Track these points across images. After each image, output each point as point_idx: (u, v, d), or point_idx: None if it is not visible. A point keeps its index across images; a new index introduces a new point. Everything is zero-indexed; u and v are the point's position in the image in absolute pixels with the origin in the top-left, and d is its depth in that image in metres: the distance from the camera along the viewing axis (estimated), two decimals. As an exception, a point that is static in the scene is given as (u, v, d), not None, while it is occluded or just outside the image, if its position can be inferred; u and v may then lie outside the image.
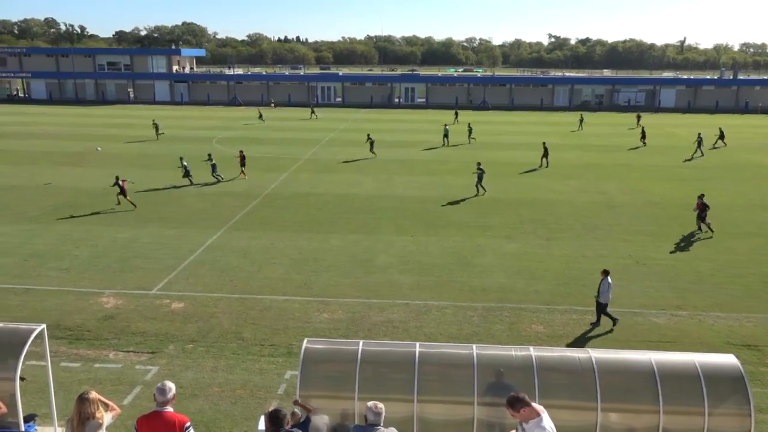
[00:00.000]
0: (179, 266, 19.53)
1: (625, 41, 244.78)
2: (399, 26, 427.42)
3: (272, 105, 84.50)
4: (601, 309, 15.51)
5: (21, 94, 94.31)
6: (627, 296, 17.38)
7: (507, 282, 18.45)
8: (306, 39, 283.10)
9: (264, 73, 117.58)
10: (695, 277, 19.03)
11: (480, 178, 29.95)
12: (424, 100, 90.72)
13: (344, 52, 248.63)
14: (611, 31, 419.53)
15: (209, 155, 34.63)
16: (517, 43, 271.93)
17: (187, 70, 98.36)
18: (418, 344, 9.33)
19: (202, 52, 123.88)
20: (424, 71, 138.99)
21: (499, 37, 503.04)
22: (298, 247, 21.56)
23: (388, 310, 16.40)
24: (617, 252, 21.38)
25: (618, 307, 16.40)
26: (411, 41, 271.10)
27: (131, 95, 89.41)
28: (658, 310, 16.55)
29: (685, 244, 22.46)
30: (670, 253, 21.40)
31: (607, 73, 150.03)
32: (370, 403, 6.96)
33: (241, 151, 34.35)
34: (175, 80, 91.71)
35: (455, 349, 9.51)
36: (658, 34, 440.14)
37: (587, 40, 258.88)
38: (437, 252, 21.29)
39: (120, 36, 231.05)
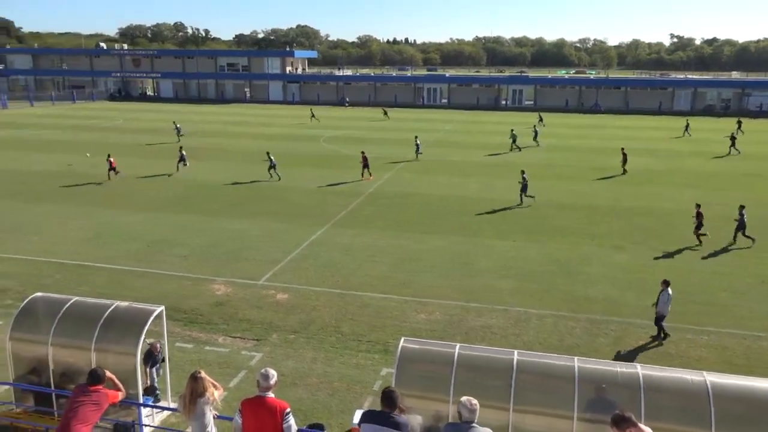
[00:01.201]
0: (285, 259, 20.35)
1: (758, 41, 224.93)
2: (509, 27, 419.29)
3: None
4: (658, 320, 14.82)
5: (150, 93, 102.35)
6: (749, 318, 16.00)
7: (614, 294, 17.59)
8: (414, 40, 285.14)
9: (372, 74, 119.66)
10: (832, 302, 17.17)
11: (524, 188, 28.16)
12: (532, 102, 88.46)
13: (452, 54, 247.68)
14: (742, 31, 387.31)
15: (267, 153, 34.72)
16: (635, 44, 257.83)
17: (299, 71, 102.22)
18: (516, 352, 9.13)
19: (314, 54, 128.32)
20: (533, 73, 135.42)
21: (616, 37, 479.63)
22: (398, 246, 21.77)
23: (486, 315, 16.17)
24: (740, 270, 19.73)
25: (740, 329, 15.15)
26: (521, 42, 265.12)
27: (247, 94, 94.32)
28: (786, 336, 15.10)
29: (821, 264, 20.32)
30: (803, 273, 19.45)
31: (735, 75, 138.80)
32: (464, 399, 6.69)
33: (363, 152, 33.76)
34: (288, 81, 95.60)
35: (555, 360, 9.21)
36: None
37: (714, 40, 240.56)
38: (539, 258, 20.70)
39: (239, 39, 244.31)
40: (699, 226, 22.28)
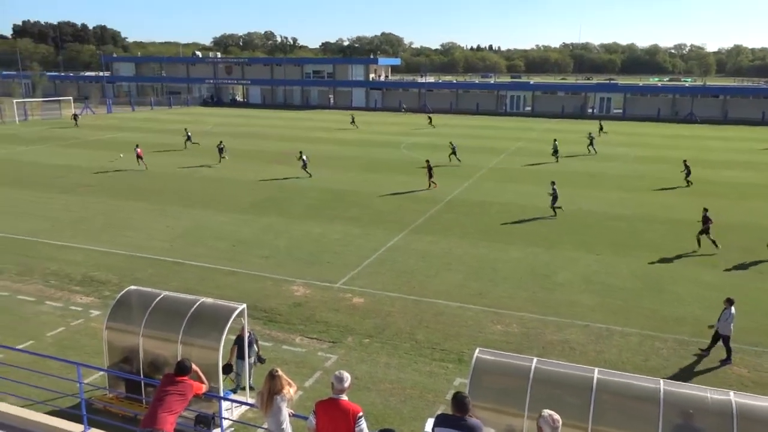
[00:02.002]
0: (362, 263, 20.59)
1: None
2: (598, 33, 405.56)
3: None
4: (719, 340, 14.11)
5: (239, 99, 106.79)
6: None
7: (704, 314, 16.56)
8: (498, 47, 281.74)
9: (454, 81, 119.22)
10: None
11: (554, 199, 27.04)
12: (621, 110, 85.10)
13: (537, 61, 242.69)
14: None
15: (300, 152, 36.95)
16: (737, 50, 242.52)
17: (382, 78, 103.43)
18: (596, 370, 8.78)
19: (397, 61, 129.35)
20: (623, 80, 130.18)
21: (715, 43, 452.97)
22: (476, 255, 21.52)
23: (565, 330, 15.66)
24: None
25: None
26: (610, 48, 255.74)
27: (331, 101, 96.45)
28: None
29: None
30: None
31: None
32: (546, 413, 6.45)
33: (428, 161, 33.85)
34: (371, 87, 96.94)
35: (639, 381, 8.77)
36: None
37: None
38: (625, 273, 19.83)
39: (326, 46, 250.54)
40: (705, 231, 22.27)
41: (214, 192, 31.55)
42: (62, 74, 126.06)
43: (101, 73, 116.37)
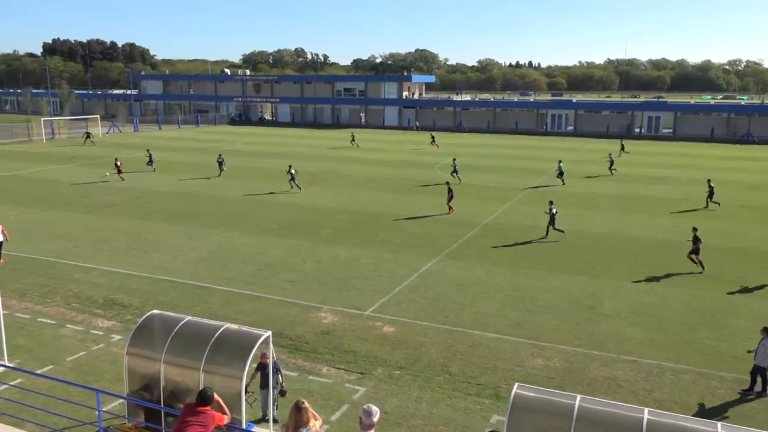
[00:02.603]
0: (393, 290, 20.50)
1: None
2: (645, 48, 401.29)
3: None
4: (758, 372, 13.70)
5: (267, 117, 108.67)
6: None
7: (767, 352, 15.93)
8: (538, 64, 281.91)
9: (492, 99, 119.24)
10: None
11: (551, 220, 27.13)
12: (670, 130, 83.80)
13: (580, 78, 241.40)
14: None
15: (290, 166, 39.89)
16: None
17: (416, 96, 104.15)
18: (646, 410, 8.49)
19: (431, 79, 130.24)
20: (673, 98, 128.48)
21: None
22: (514, 283, 21.23)
23: (611, 366, 15.25)
24: None
25: None
26: (659, 65, 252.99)
27: (363, 119, 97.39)
28: None
29: None
30: None
31: None
32: None
33: (448, 183, 33.45)
34: (404, 106, 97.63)
35: (693, 423, 8.44)
36: None
37: None
38: (678, 306, 19.29)
39: (357, 63, 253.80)
40: (695, 251, 22.91)
41: (238, 213, 31.96)
42: (90, 92, 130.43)
43: (129, 91, 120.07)
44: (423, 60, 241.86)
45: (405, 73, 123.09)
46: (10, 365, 13.97)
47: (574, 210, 33.23)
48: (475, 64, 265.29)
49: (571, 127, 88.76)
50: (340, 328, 17.45)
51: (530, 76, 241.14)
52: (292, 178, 38.24)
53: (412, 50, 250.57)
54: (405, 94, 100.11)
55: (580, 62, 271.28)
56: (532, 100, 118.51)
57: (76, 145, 64.80)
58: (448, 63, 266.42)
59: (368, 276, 21.97)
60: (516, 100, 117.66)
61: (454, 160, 43.00)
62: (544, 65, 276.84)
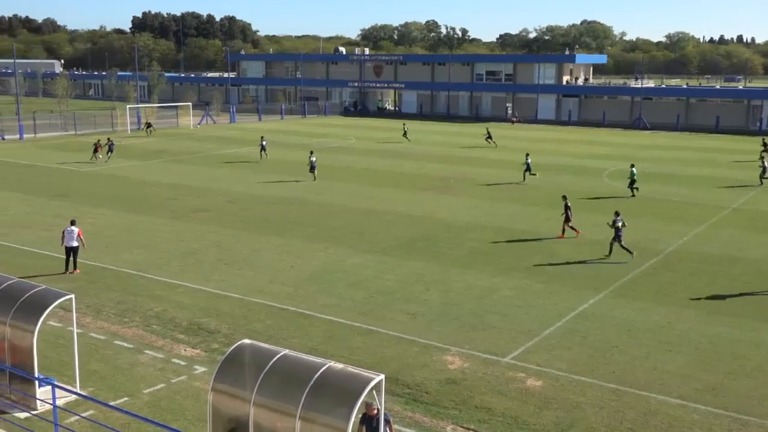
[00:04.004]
0: (542, 333, 20.13)
1: None
2: None
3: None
4: None
5: (389, 107, 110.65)
6: None
7: None
8: (751, 39, 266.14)
9: (684, 86, 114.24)
10: None
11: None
12: None
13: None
14: None
15: (311, 152, 46.19)
16: None
17: (580, 81, 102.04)
18: None
19: (602, 59, 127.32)
20: None
21: None
22: (708, 333, 20.18)
23: None
24: None
25: None
26: None
27: (508, 111, 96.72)
28: None
29: None
30: None
31: None
32: None
33: (565, 197, 31.93)
34: (564, 94, 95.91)
35: None
36: None
37: None
38: None
39: (504, 40, 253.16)
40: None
41: (349, 225, 32.83)
42: (182, 75, 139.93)
43: (226, 74, 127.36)
44: (591, 35, 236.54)
45: (567, 52, 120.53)
46: (83, 393, 15.21)
47: (798, 238, 31.01)
48: (662, 40, 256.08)
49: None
50: (471, 376, 17.37)
51: (739, 56, 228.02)
52: (312, 168, 44.50)
53: (578, 22, 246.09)
54: (566, 78, 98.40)
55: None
56: (740, 87, 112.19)
57: (163, 136, 69.62)
58: (625, 38, 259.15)
59: (510, 312, 21.75)
60: (718, 87, 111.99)
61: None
62: (759, 41, 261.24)
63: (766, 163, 45.17)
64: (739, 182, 45.60)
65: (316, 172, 44.44)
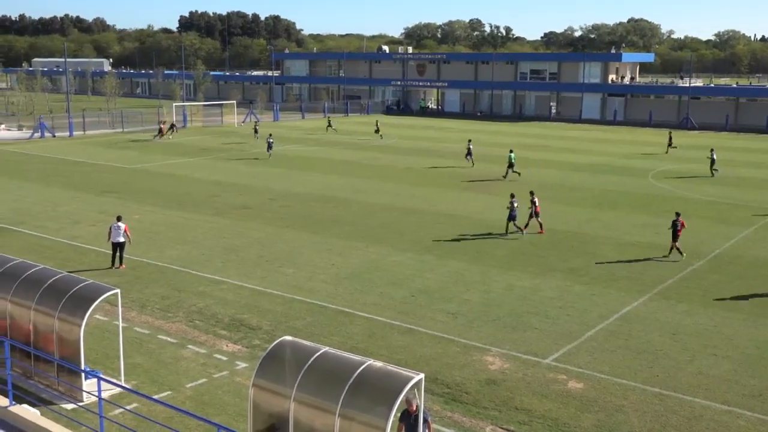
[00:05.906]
0: (584, 334, 19.95)
1: None
2: None
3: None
4: None
5: (432, 106, 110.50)
6: None
7: None
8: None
9: (734, 85, 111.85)
10: None
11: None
12: None
13: None
14: None
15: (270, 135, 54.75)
16: None
17: (627, 80, 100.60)
18: None
19: (649, 57, 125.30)
20: None
21: None
22: (756, 338, 19.80)
23: None
24: None
25: None
26: None
27: (552, 110, 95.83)
28: None
29: None
30: None
31: None
32: None
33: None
34: (609, 93, 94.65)
35: None
36: None
37: None
38: None
39: (549, 38, 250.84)
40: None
41: (390, 223, 32.87)
42: (227, 74, 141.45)
43: (270, 73, 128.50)
44: (638, 33, 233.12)
45: (613, 50, 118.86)
46: (128, 387, 15.52)
47: None
48: (712, 38, 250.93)
49: None
50: (511, 377, 17.30)
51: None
52: (269, 146, 52.63)
53: (625, 20, 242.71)
54: (611, 77, 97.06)
55: None
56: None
57: (208, 134, 70.51)
58: (672, 37, 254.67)
59: (552, 314, 21.59)
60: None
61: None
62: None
63: None
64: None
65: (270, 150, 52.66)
